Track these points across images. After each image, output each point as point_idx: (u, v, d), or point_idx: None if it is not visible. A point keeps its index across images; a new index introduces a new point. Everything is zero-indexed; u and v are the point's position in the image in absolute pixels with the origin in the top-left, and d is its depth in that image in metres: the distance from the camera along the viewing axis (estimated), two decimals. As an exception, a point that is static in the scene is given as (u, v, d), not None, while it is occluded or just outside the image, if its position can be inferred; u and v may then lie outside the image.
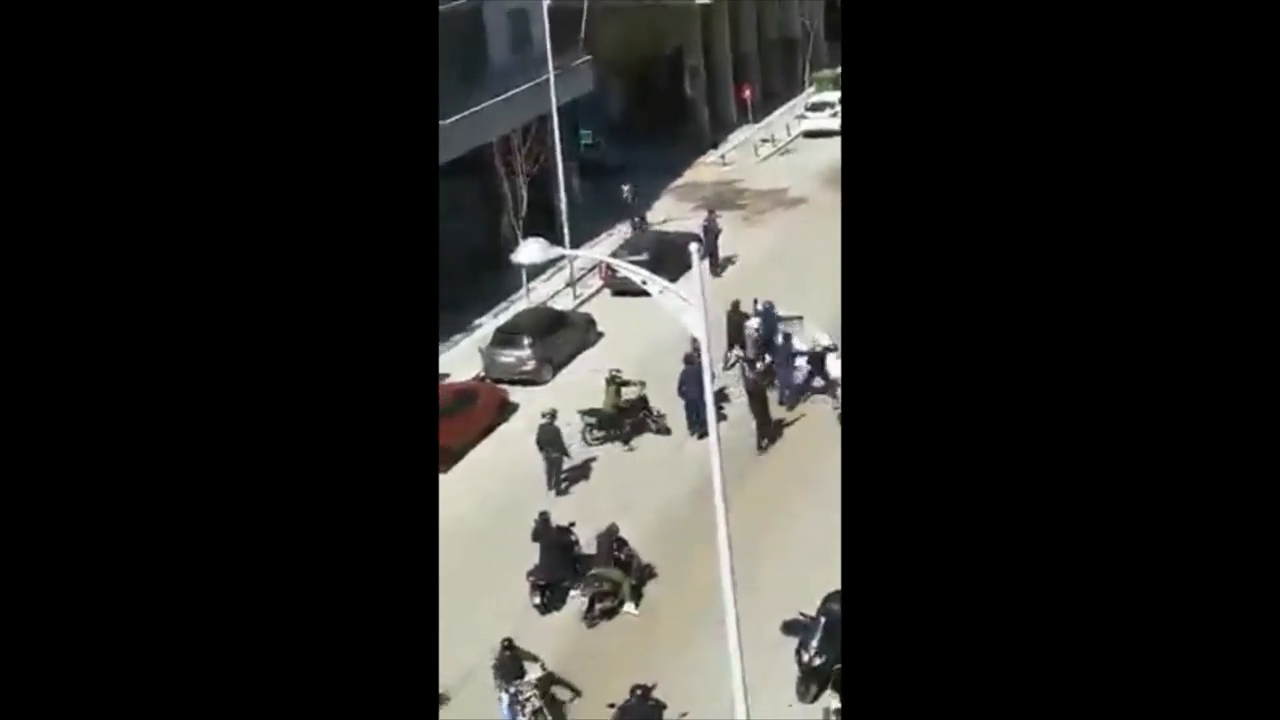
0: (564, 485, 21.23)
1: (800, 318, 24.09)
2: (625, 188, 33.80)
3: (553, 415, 21.31)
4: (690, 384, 21.58)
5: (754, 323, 24.29)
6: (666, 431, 22.41)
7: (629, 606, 17.62)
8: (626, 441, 22.38)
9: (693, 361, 21.91)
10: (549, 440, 21.05)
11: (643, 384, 22.77)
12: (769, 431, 21.91)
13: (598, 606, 17.46)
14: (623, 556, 17.81)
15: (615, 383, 22.63)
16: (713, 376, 13.77)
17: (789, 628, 15.94)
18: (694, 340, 21.74)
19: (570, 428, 21.98)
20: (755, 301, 24.71)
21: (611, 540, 17.83)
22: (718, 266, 30.16)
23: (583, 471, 21.76)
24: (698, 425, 21.56)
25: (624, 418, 22.49)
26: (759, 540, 17.89)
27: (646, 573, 18.07)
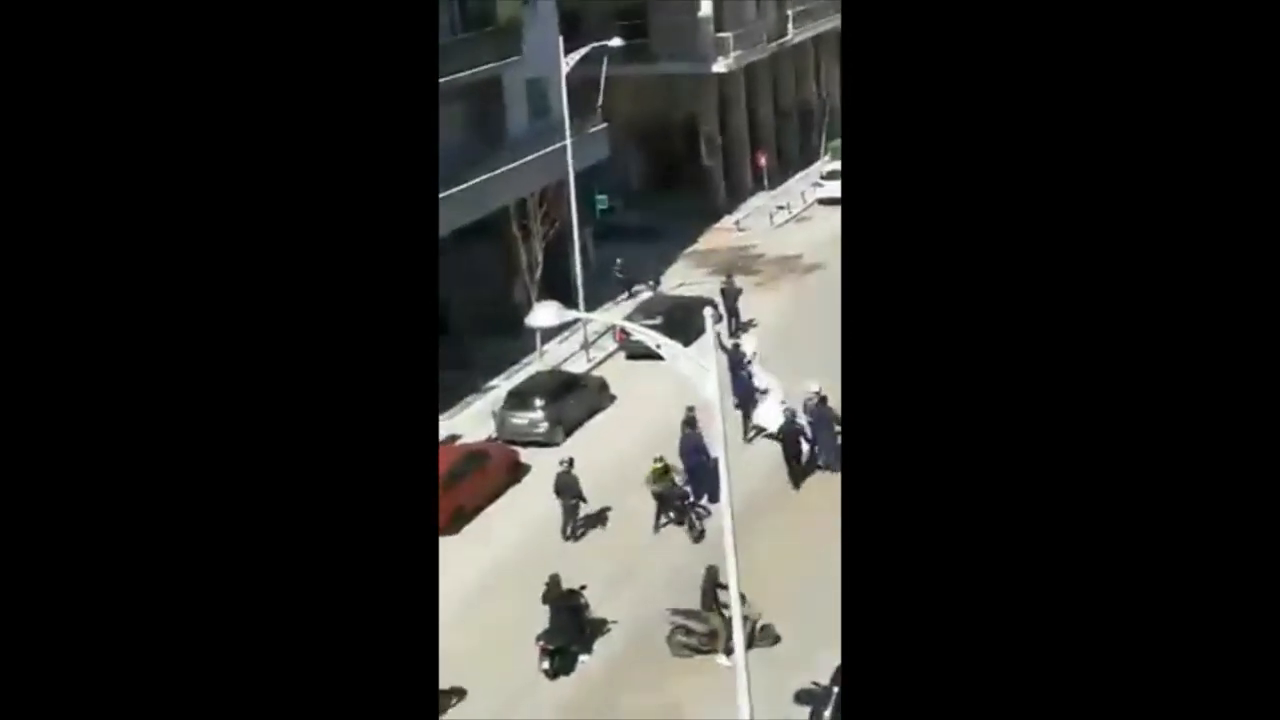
0: (580, 533, 21.44)
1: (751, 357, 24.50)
2: (617, 262, 33.81)
3: (570, 463, 21.58)
4: (690, 451, 21.75)
5: (813, 386, 23.71)
6: (700, 535, 20.92)
7: (721, 658, 17.25)
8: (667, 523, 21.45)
9: (693, 426, 21.95)
10: (566, 487, 21.29)
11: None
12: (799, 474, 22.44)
13: (678, 638, 17.55)
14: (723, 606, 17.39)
15: (658, 469, 21.49)
16: (725, 439, 13.74)
17: (801, 696, 15.75)
18: (689, 408, 22.13)
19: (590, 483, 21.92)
20: (738, 347, 24.87)
21: (713, 584, 17.50)
22: (740, 327, 30.35)
23: (599, 521, 21.82)
24: (701, 490, 21.61)
25: (665, 505, 21.51)
26: (777, 599, 17.76)
27: (762, 632, 17.43)
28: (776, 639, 17.38)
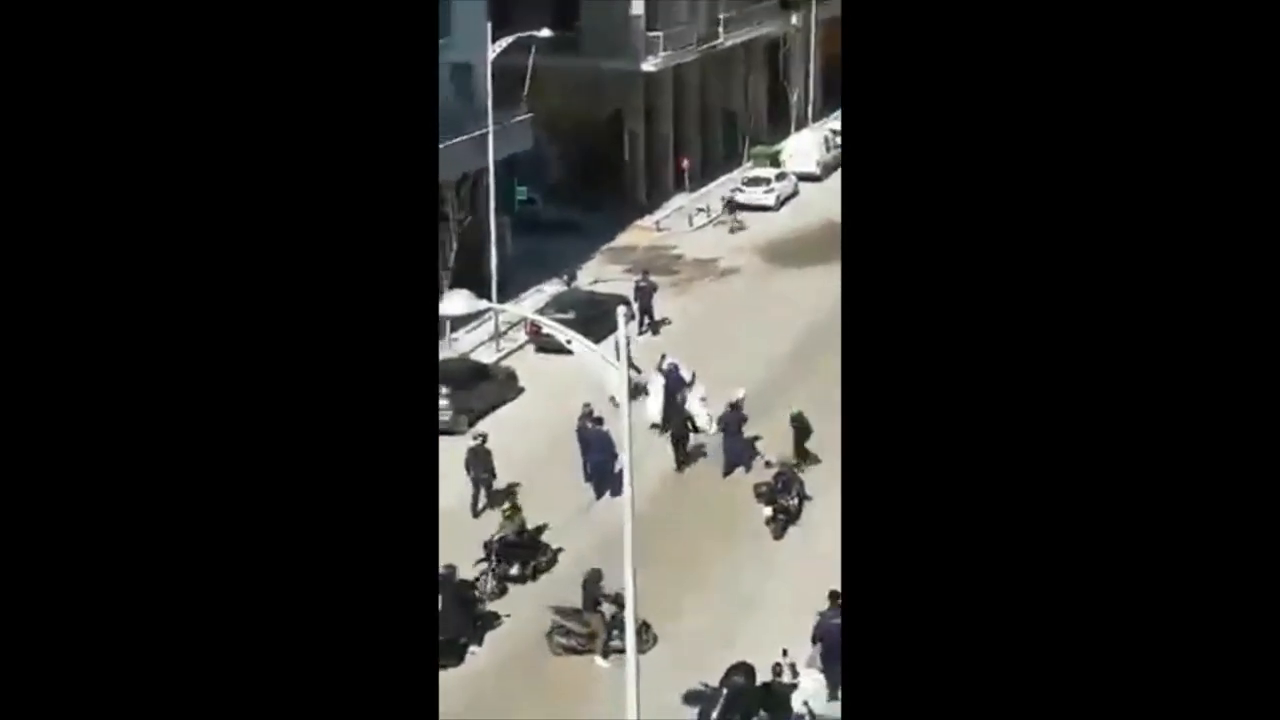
0: (482, 510, 21.40)
1: (691, 383, 24.45)
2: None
3: (484, 438, 21.70)
4: (594, 448, 21.83)
5: (739, 393, 23.75)
6: (494, 594, 18.95)
7: (599, 659, 17.11)
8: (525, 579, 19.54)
9: (600, 422, 21.93)
10: (479, 461, 21.23)
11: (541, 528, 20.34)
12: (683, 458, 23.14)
13: (557, 638, 17.39)
14: (606, 607, 17.30)
15: (507, 511, 19.66)
16: (630, 438, 13.69)
17: (690, 698, 15.76)
18: (586, 405, 22.06)
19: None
20: (663, 358, 24.78)
21: (595, 585, 17.36)
22: (653, 325, 30.35)
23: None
24: (603, 487, 21.71)
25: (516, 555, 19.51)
26: (663, 600, 17.74)
27: (645, 633, 16.81)
28: (655, 640, 17.30)
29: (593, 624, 17.30)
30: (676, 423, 23.35)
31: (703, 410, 23.94)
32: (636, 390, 24.17)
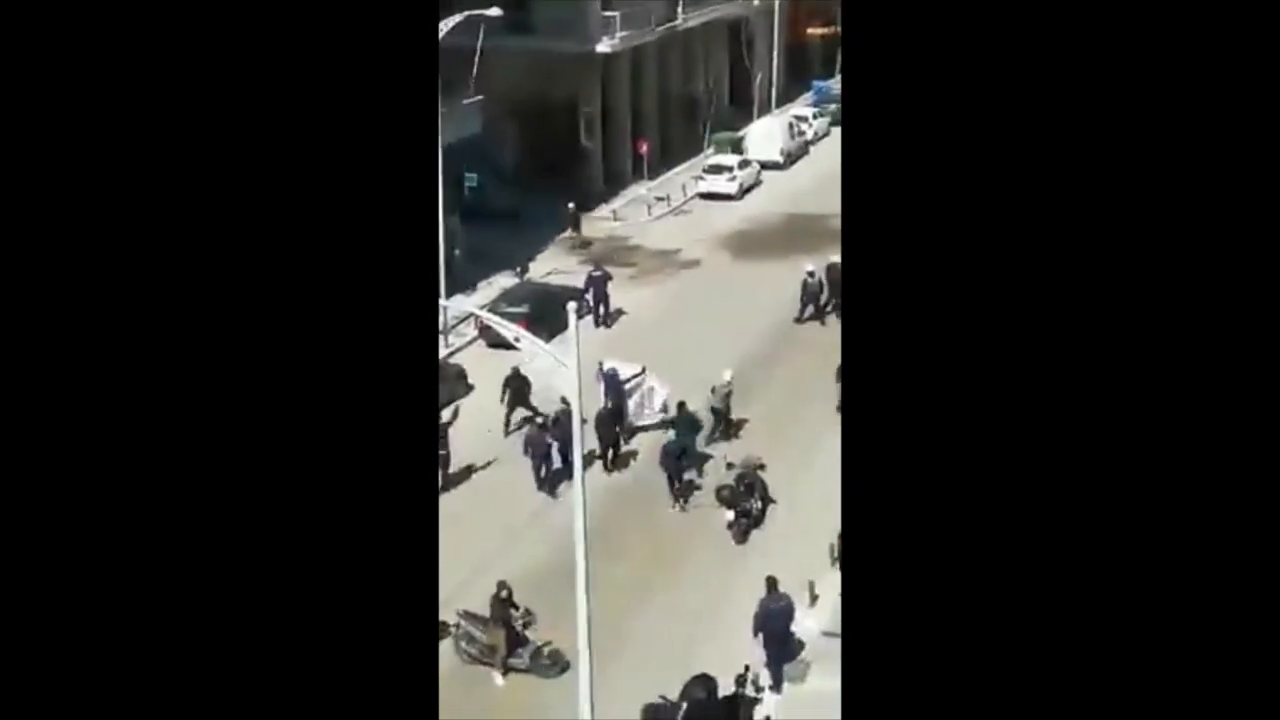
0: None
1: (642, 372, 23.56)
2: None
3: (455, 412, 22.06)
4: (544, 453, 21.42)
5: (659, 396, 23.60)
6: None
7: (497, 676, 16.43)
8: None
9: (545, 427, 21.59)
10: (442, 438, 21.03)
11: None
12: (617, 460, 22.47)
13: (462, 644, 16.79)
14: (510, 622, 16.50)
15: None
16: (580, 438, 12.87)
17: (649, 711, 15.07)
18: (533, 408, 21.81)
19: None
20: (600, 364, 23.46)
21: (499, 598, 16.61)
22: (608, 317, 29.43)
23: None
24: (544, 484, 21.35)
25: None
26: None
27: (549, 657, 16.51)
28: (565, 667, 16.16)
29: (495, 636, 16.55)
30: (606, 428, 22.25)
31: (657, 403, 23.15)
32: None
